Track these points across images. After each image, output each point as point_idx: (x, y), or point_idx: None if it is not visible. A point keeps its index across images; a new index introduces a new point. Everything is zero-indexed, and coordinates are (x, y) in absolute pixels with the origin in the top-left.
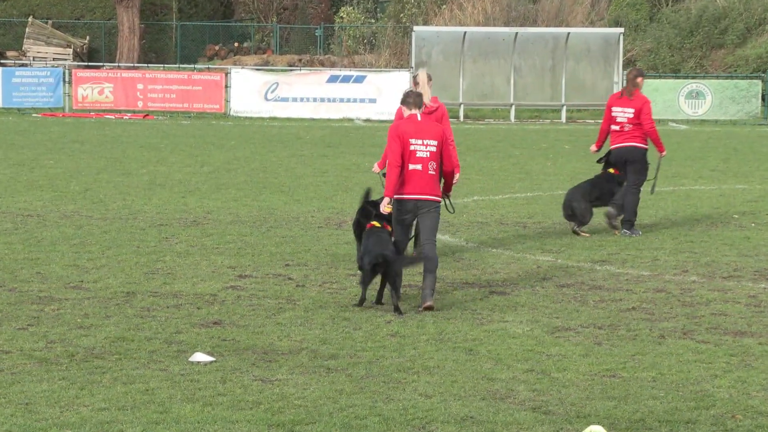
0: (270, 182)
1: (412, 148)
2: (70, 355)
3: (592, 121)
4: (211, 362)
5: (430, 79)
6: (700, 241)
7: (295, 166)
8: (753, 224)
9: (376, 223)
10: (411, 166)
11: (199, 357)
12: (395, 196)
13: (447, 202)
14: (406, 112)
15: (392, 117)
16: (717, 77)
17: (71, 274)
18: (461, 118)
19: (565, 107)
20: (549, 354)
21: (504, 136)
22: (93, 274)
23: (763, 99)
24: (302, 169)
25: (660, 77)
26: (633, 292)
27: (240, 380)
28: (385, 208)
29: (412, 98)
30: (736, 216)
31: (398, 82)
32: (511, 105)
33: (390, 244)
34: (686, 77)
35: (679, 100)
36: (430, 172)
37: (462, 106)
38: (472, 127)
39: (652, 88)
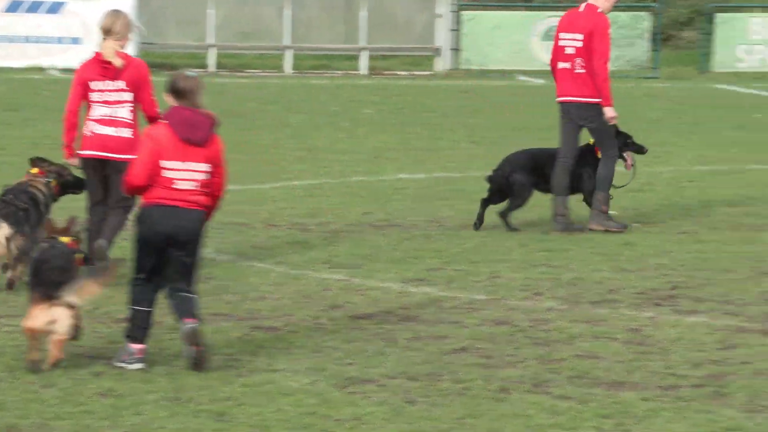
0: None
1: (560, 43)
2: None
3: (405, 72)
4: None
5: None
6: (561, 250)
7: None
8: (636, 224)
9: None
10: (560, 65)
11: None
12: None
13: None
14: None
15: None
16: None
17: None
18: (213, 68)
19: (366, 52)
20: (340, 418)
21: (276, 96)
22: None
23: (653, 41)
24: None
25: (504, 8)
26: (463, 326)
27: None
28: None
29: None
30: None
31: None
32: (286, 49)
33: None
34: (542, 8)
35: (532, 43)
36: (576, 70)
37: (212, 50)
38: (229, 82)
39: (493, 24)
